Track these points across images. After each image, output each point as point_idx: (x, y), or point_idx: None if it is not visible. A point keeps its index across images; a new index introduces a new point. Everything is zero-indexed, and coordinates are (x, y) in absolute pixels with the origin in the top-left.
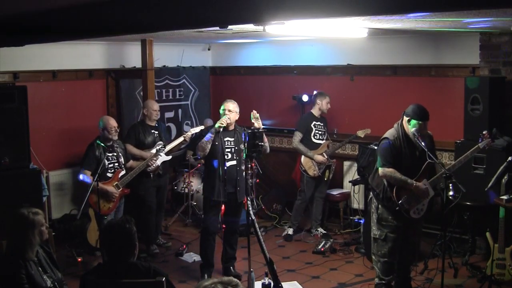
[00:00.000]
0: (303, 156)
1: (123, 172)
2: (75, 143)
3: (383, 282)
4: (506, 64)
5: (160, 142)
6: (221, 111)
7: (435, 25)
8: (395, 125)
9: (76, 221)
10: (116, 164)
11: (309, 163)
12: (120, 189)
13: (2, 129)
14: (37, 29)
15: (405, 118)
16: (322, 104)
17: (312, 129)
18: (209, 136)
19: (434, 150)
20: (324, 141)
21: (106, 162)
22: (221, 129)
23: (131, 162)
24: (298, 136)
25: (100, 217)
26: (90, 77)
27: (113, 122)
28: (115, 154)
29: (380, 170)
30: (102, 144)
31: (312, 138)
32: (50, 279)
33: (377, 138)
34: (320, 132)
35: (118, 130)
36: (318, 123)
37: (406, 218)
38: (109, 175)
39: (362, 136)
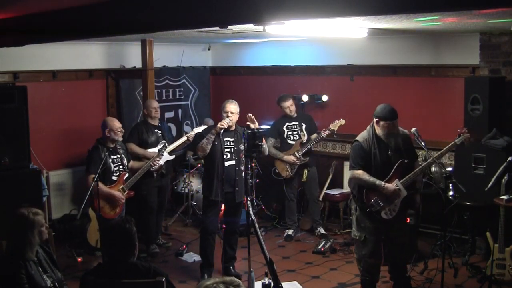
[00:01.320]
0: (277, 160)
1: (127, 175)
2: (75, 143)
3: (367, 278)
4: (506, 64)
5: (163, 141)
6: (223, 114)
7: (435, 23)
8: (368, 127)
9: (76, 221)
10: (121, 166)
11: (282, 165)
12: (126, 192)
13: (2, 129)
14: (37, 29)
15: (374, 119)
16: (287, 109)
17: (284, 131)
18: (209, 137)
19: (410, 149)
20: (297, 140)
21: (112, 166)
22: (222, 131)
23: (131, 163)
24: (269, 141)
25: (105, 220)
26: (90, 77)
27: (117, 123)
28: (118, 156)
29: (350, 173)
30: (106, 146)
31: (287, 140)
32: (50, 279)
33: None
34: (295, 132)
35: (123, 131)
36: (292, 123)
37: (383, 220)
38: (114, 178)
39: (336, 128)
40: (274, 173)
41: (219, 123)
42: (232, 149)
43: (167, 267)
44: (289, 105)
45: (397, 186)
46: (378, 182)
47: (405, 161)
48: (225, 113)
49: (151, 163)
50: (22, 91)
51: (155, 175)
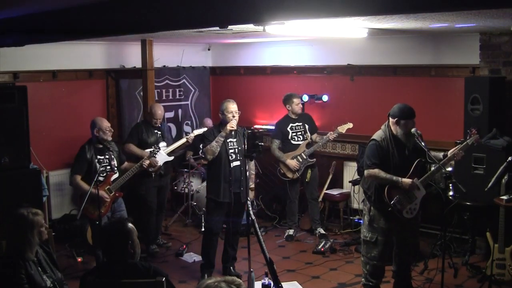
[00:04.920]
0: (281, 162)
1: (115, 176)
2: (75, 143)
3: (370, 284)
4: (506, 64)
5: (163, 142)
6: (228, 114)
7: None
8: (382, 127)
9: (76, 221)
10: (108, 167)
11: (286, 167)
12: (112, 194)
13: (2, 129)
14: (37, 29)
15: (392, 120)
16: (292, 108)
17: (288, 132)
18: (218, 139)
19: (422, 149)
20: (303, 141)
21: (98, 166)
22: (232, 132)
23: (125, 164)
24: (274, 143)
25: (93, 222)
26: (90, 77)
27: (106, 123)
28: (107, 156)
29: (365, 172)
30: (94, 146)
31: (291, 140)
32: (50, 279)
33: None
34: (299, 133)
35: (112, 130)
36: (296, 124)
37: (399, 219)
38: (100, 178)
39: (344, 131)
40: (280, 173)
41: (229, 124)
42: (236, 149)
43: (167, 267)
44: (296, 104)
45: (417, 184)
46: (395, 178)
47: (422, 160)
48: (229, 113)
49: (143, 164)
50: (22, 91)
51: (153, 175)
